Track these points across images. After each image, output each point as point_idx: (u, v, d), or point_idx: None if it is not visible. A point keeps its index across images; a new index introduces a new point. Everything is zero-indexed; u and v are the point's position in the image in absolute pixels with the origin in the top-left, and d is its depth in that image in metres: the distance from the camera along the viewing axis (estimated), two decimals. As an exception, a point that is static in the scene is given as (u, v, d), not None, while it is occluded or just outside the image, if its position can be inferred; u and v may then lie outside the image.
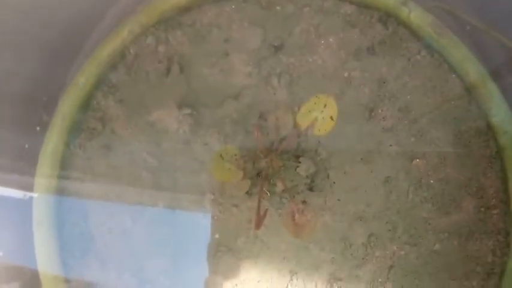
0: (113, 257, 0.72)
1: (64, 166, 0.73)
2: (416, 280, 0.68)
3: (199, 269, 0.71)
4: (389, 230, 0.69)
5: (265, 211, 0.62)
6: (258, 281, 0.71)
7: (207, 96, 0.74)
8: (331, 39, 0.74)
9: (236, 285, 0.70)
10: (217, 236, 0.71)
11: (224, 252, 0.71)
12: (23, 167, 0.73)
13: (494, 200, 0.68)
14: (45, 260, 0.70)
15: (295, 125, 0.67)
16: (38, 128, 0.75)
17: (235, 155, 0.63)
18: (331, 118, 0.60)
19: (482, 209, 0.68)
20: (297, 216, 0.61)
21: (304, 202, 0.70)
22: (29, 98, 0.76)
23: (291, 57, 0.75)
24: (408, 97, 0.72)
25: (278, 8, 0.76)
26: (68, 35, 0.79)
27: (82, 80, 0.73)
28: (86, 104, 0.75)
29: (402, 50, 0.72)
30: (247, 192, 0.71)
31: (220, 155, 0.63)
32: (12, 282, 0.69)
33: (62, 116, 0.72)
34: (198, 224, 0.72)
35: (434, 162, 0.70)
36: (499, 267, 0.66)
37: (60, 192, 0.73)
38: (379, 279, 0.68)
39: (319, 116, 0.61)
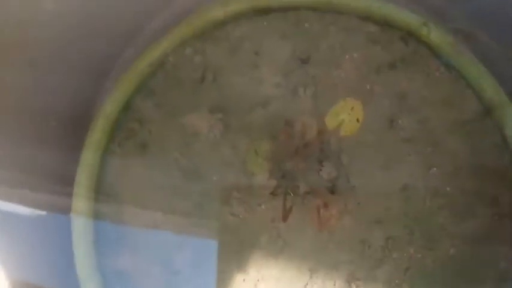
0: (144, 249, 0.82)
1: (104, 162, 0.85)
2: (432, 282, 0.76)
3: (223, 264, 0.81)
4: (407, 234, 0.78)
5: (291, 206, 0.73)
6: (279, 278, 0.79)
7: (237, 104, 0.86)
8: (354, 55, 0.86)
9: (258, 281, 0.79)
10: (241, 233, 0.81)
11: (247, 249, 0.81)
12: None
13: (507, 209, 0.76)
14: (82, 250, 0.81)
15: (320, 130, 0.78)
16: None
17: (267, 150, 0.73)
18: (357, 120, 0.71)
19: (496, 217, 0.77)
20: (321, 210, 0.71)
21: (325, 205, 0.80)
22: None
23: (316, 70, 0.86)
24: (427, 110, 0.82)
25: (306, 25, 0.88)
26: (108, 45, 0.92)
27: (123, 85, 0.85)
28: (127, 106, 0.87)
29: (422, 67, 0.83)
30: (271, 193, 0.81)
31: (255, 150, 0.74)
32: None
33: (104, 116, 0.85)
34: (224, 221, 0.82)
35: (451, 171, 0.79)
36: (511, 273, 0.74)
37: (99, 186, 0.84)
38: (396, 280, 0.77)
39: (346, 118, 0.72)
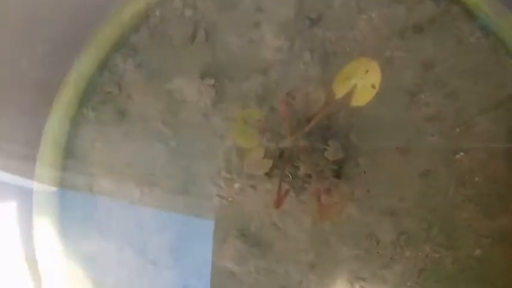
0: (115, 229, 0.72)
1: (74, 128, 0.75)
2: (450, 287, 0.65)
3: (208, 252, 0.71)
4: (424, 229, 0.68)
5: (287, 191, 0.61)
6: (272, 271, 0.69)
7: (232, 68, 0.75)
8: (373, 15, 0.73)
9: (248, 273, 0.70)
10: (230, 217, 0.71)
11: (236, 237, 0.71)
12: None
13: (548, 205, 0.64)
14: (43, 230, 0.71)
15: (328, 102, 0.66)
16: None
17: (260, 120, 0.62)
18: (373, 86, 0.58)
19: (534, 214, 0.65)
20: (322, 197, 0.59)
21: (328, 190, 0.69)
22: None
23: (327, 31, 0.74)
24: (457, 83, 0.70)
25: (318, -23, 0.75)
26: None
27: (100, 39, 0.74)
28: (103, 65, 0.76)
29: (453, 30, 0.71)
30: (266, 174, 0.70)
31: (243, 118, 0.62)
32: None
33: (76, 75, 0.74)
34: (211, 203, 0.72)
35: (481, 157, 0.68)
36: (548, 282, 0.63)
37: (67, 154, 0.74)
38: (408, 283, 0.66)
39: (359, 83, 0.59)
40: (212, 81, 0.74)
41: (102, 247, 0.72)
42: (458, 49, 0.71)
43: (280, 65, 0.74)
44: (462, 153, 0.68)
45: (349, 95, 0.60)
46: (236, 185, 0.72)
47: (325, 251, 0.69)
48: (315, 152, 0.70)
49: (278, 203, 0.58)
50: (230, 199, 0.72)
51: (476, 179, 0.68)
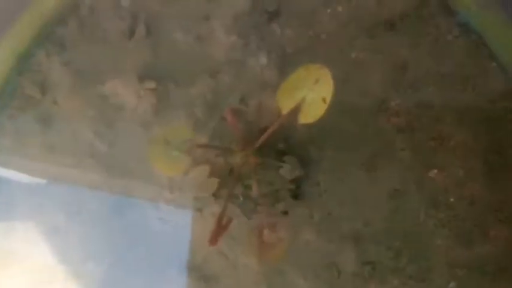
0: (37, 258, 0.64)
1: None
2: (421, 326, 0.59)
3: (145, 286, 0.63)
4: (391, 259, 0.62)
5: (228, 221, 0.53)
6: (219, 308, 0.62)
7: (177, 69, 0.67)
8: (339, 9, 0.66)
9: (190, 310, 0.62)
10: (171, 245, 0.64)
11: (177, 268, 0.64)
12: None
13: (532, 231, 0.59)
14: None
15: (279, 112, 0.57)
16: None
17: (189, 139, 0.52)
18: (324, 100, 0.49)
19: (515, 242, 0.60)
20: (266, 232, 0.51)
21: (285, 213, 0.62)
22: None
23: (287, 28, 0.67)
24: (431, 89, 0.64)
25: (276, -36, 0.67)
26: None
27: (19, 31, 0.64)
28: (23, 64, 0.67)
29: (430, 28, 0.64)
30: (214, 194, 0.63)
31: (166, 139, 0.52)
32: None
33: (-11, 76, 0.64)
34: (149, 228, 0.65)
35: (458, 175, 0.62)
36: (530, 320, 0.57)
37: None
38: (372, 321, 0.60)
39: (308, 95, 0.50)
40: (153, 85, 0.66)
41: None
42: (434, 49, 0.64)
43: (232, 66, 0.66)
44: (436, 171, 0.63)
45: (295, 111, 0.50)
46: (180, 208, 0.64)
47: (278, 284, 0.63)
48: (269, 169, 0.63)
49: (213, 239, 0.49)
50: (172, 223, 0.65)
51: (451, 200, 0.62)
